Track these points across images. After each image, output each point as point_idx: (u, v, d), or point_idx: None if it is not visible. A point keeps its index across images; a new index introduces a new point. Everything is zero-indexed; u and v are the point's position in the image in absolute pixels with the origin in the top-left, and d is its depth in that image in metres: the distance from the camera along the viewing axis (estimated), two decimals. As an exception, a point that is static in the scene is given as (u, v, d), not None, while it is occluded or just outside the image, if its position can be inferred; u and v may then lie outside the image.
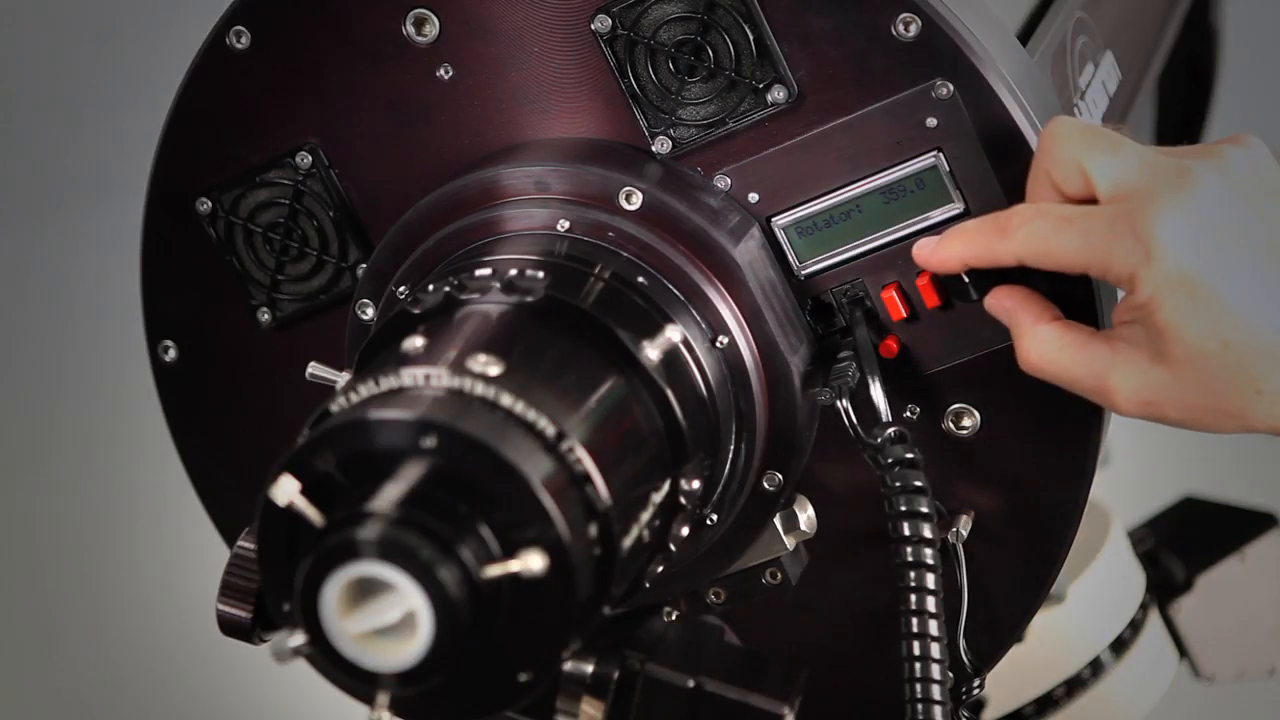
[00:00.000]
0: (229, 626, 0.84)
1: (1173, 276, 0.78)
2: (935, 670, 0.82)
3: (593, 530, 0.74)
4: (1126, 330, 0.82)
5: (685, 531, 0.83)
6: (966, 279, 0.87)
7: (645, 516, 0.79)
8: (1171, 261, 0.78)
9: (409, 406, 0.73)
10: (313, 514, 0.72)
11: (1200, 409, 0.81)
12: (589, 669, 0.82)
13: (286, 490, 0.72)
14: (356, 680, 0.72)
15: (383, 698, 0.72)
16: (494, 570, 0.70)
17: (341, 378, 0.83)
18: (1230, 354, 0.79)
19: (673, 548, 0.82)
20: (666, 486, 0.81)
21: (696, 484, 0.82)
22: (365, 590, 0.70)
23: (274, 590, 0.74)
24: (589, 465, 0.75)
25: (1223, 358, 0.79)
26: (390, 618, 0.70)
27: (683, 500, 0.82)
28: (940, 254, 0.85)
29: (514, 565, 0.70)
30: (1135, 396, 0.81)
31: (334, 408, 0.76)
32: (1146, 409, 0.81)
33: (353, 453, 0.72)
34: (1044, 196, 0.83)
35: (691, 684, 0.81)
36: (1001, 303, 0.85)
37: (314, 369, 0.86)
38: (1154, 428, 0.85)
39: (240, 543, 0.83)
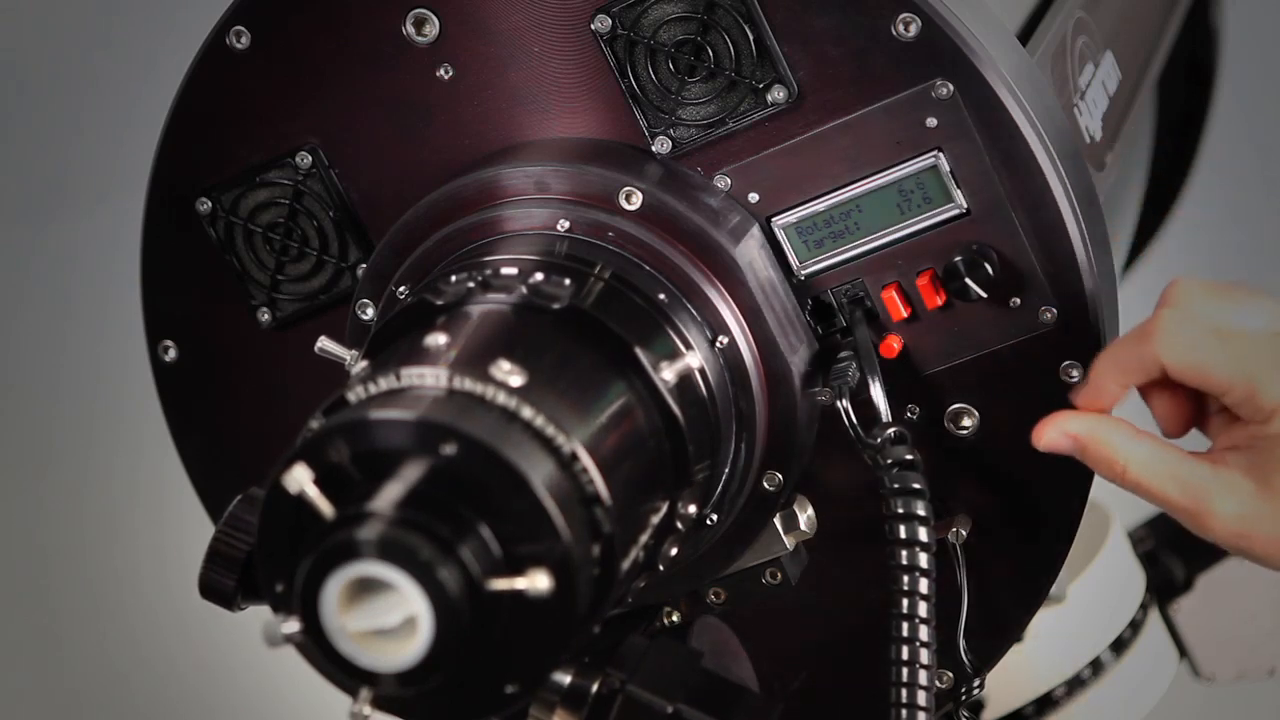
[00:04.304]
0: (210, 590, 0.83)
1: None
2: (922, 676, 0.82)
3: (595, 551, 0.74)
4: (1232, 456, 0.82)
5: (675, 552, 0.83)
6: (968, 280, 0.87)
7: (643, 539, 0.79)
8: None
9: (419, 407, 0.73)
10: (324, 505, 0.71)
11: None
12: (567, 680, 0.82)
13: (299, 478, 0.71)
14: (351, 677, 0.71)
15: (365, 693, 0.72)
16: (499, 584, 0.70)
17: (349, 354, 0.84)
18: None
19: (661, 568, 0.83)
20: (664, 508, 0.81)
21: (693, 508, 0.82)
22: (366, 588, 0.70)
23: (270, 572, 0.74)
24: (600, 487, 0.75)
25: None
26: (391, 620, 0.70)
27: (678, 524, 0.82)
28: (1089, 385, 0.84)
29: (520, 582, 0.70)
30: (1232, 524, 0.81)
31: (350, 396, 0.76)
32: (1239, 538, 0.82)
33: (367, 449, 0.72)
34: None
35: (670, 710, 0.81)
36: (1067, 429, 0.84)
37: (323, 343, 0.86)
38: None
39: (233, 510, 0.83)
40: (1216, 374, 0.81)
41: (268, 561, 0.74)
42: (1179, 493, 0.82)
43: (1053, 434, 0.84)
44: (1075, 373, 0.87)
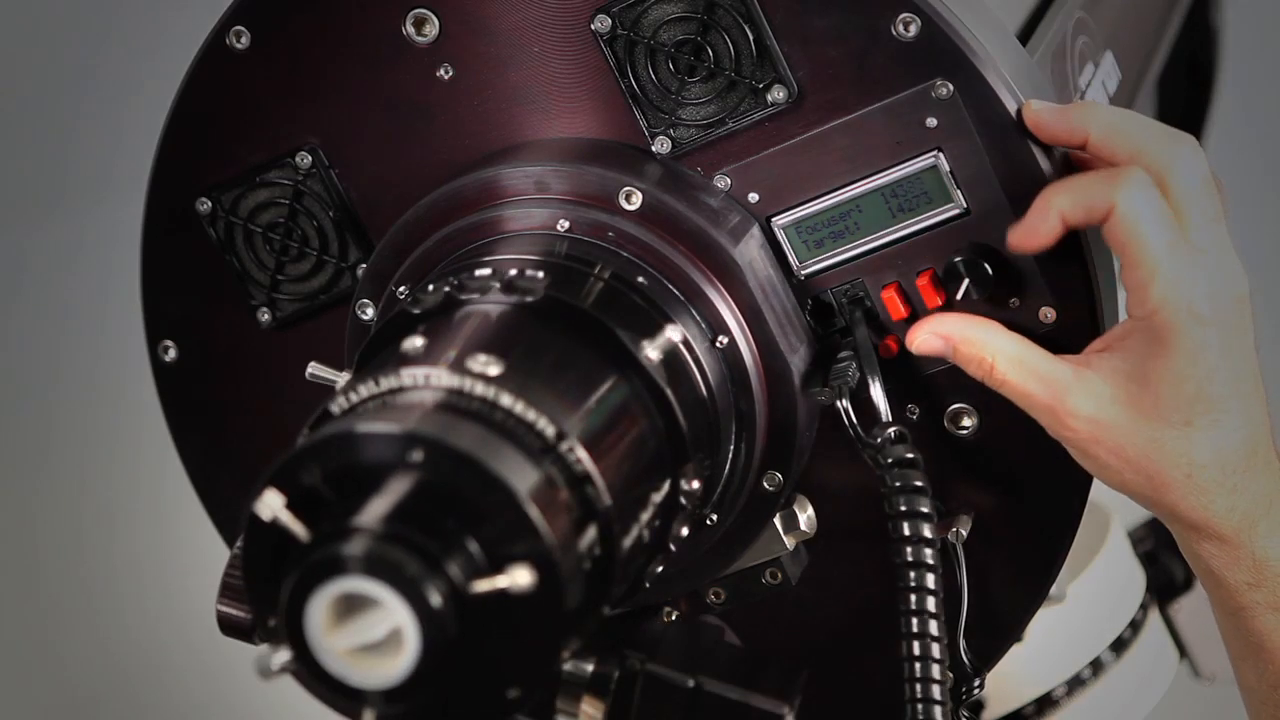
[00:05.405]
0: (229, 626, 0.84)
1: (1192, 338, 0.81)
2: (935, 670, 0.82)
3: (592, 532, 0.74)
4: (1095, 359, 0.83)
5: (685, 531, 0.83)
6: (968, 280, 0.87)
7: (646, 516, 0.79)
8: (1200, 327, 0.81)
9: (397, 419, 0.72)
10: (298, 529, 0.71)
11: (1133, 462, 0.83)
12: (589, 668, 0.82)
13: (271, 505, 0.71)
14: (342, 697, 0.71)
15: (369, 715, 0.71)
16: (481, 586, 0.70)
17: (341, 378, 0.83)
18: (1188, 433, 0.82)
19: (673, 548, 0.82)
20: (667, 486, 0.81)
21: (696, 484, 0.82)
22: (351, 606, 0.70)
23: (260, 605, 0.73)
24: (589, 465, 0.74)
25: (1180, 431, 0.82)
26: (376, 634, 0.69)
27: (683, 500, 0.82)
28: (1033, 210, 0.84)
29: (501, 581, 0.70)
30: (1086, 425, 0.82)
31: (334, 408, 0.76)
32: (1089, 442, 0.83)
33: (341, 466, 0.71)
34: None
35: (691, 684, 0.81)
36: (939, 330, 0.85)
37: (313, 369, 0.86)
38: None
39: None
40: (1146, 241, 0.81)
41: (258, 595, 0.73)
42: (1040, 389, 0.83)
43: (924, 335, 0.86)
44: None
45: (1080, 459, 0.84)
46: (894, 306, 0.88)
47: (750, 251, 0.87)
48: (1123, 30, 1.14)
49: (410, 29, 0.90)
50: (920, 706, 0.82)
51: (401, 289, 0.89)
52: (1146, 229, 0.81)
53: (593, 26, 0.88)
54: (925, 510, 0.83)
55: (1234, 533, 0.84)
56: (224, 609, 0.83)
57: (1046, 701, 1.12)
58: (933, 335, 0.86)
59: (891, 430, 0.85)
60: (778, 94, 0.87)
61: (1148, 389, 0.82)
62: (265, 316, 0.96)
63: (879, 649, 0.87)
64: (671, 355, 0.83)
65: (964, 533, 0.90)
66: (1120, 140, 0.83)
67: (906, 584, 0.83)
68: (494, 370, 0.75)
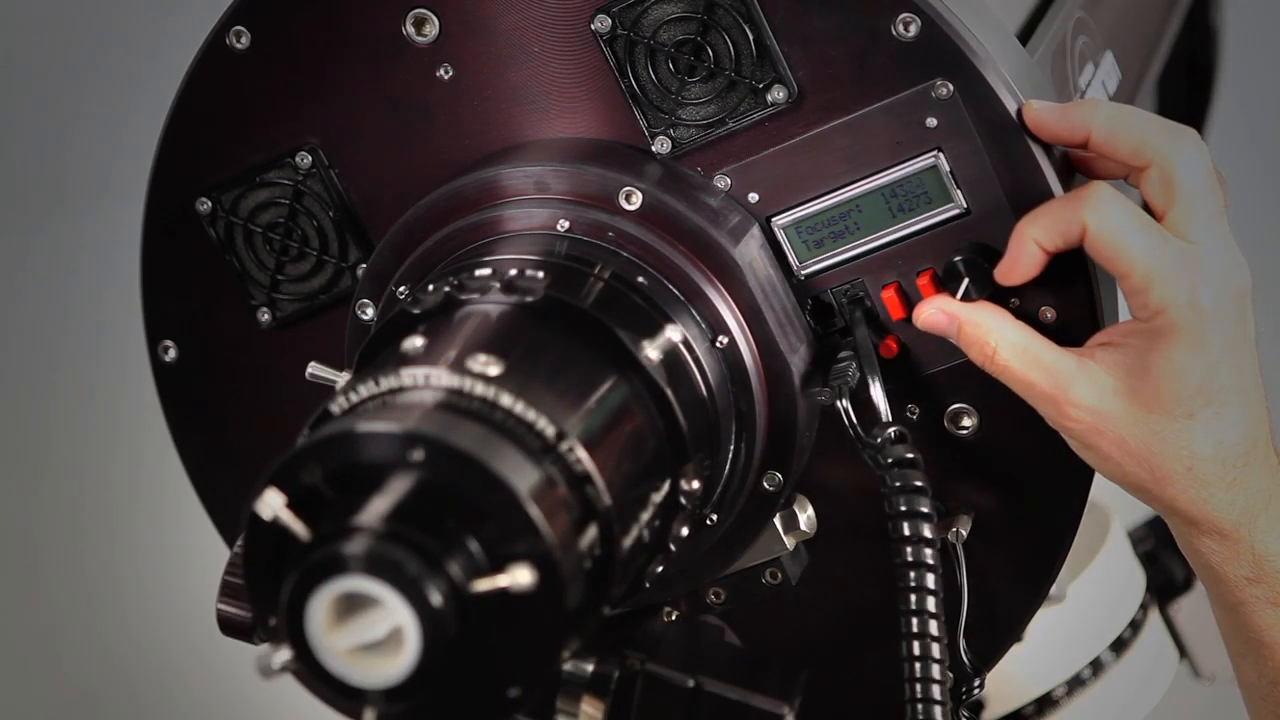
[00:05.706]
0: (229, 626, 0.84)
1: (1195, 333, 0.81)
2: (935, 670, 0.82)
3: (592, 532, 0.74)
4: (1100, 352, 0.83)
5: (685, 531, 0.83)
6: (968, 280, 0.87)
7: (645, 516, 0.79)
8: (1202, 321, 0.81)
9: (397, 419, 0.72)
10: (299, 528, 0.71)
11: (1134, 454, 0.83)
12: (589, 668, 0.82)
13: (271, 504, 0.71)
14: (343, 696, 0.71)
15: (370, 715, 0.71)
16: (482, 585, 0.70)
17: (341, 378, 0.83)
18: (1189, 426, 0.82)
19: (673, 548, 0.82)
20: (667, 486, 0.81)
21: (696, 484, 0.82)
22: (352, 605, 0.70)
23: (261, 604, 0.73)
24: (589, 465, 0.74)
25: (1182, 424, 0.82)
26: (377, 633, 0.69)
27: (683, 500, 0.82)
28: (1008, 249, 0.85)
29: (502, 580, 0.70)
30: (1087, 415, 0.82)
31: (334, 408, 0.76)
32: (1089, 432, 0.83)
33: (341, 465, 0.71)
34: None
35: (691, 684, 0.81)
36: (945, 308, 0.86)
37: (313, 369, 0.86)
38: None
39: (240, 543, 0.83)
40: (1129, 251, 0.81)
41: (259, 594, 0.73)
42: (1042, 378, 0.83)
43: (930, 311, 0.86)
44: None
45: (1080, 451, 0.84)
46: (894, 306, 0.88)
47: (750, 251, 0.87)
48: (1123, 30, 1.14)
49: (410, 29, 0.90)
50: (920, 706, 0.82)
51: (401, 289, 0.89)
52: (1125, 239, 0.81)
53: (593, 26, 0.88)
54: (925, 510, 0.83)
55: (1233, 527, 0.84)
56: (224, 609, 0.83)
57: (1046, 701, 1.12)
58: (939, 311, 0.86)
59: (891, 430, 0.85)
60: (778, 94, 0.87)
61: (1150, 381, 0.82)
62: (265, 316, 0.96)
63: (879, 649, 0.87)
64: (671, 355, 0.83)
65: (964, 533, 0.90)
66: (1123, 136, 0.84)
67: (906, 584, 0.83)
68: (494, 370, 0.75)
